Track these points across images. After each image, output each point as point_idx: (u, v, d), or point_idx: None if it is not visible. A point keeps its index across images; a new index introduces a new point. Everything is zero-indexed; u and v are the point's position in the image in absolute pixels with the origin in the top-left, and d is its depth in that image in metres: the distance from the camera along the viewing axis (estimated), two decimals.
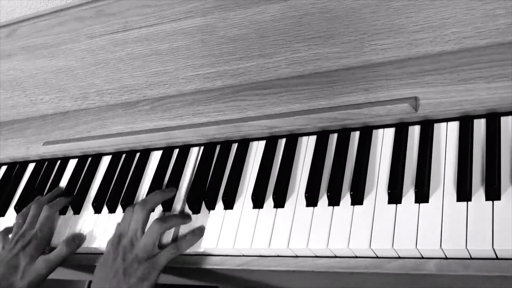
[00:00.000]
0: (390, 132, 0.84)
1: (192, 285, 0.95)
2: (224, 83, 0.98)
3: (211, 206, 0.90)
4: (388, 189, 0.78)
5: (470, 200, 0.73)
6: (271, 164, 0.90)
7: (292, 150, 0.90)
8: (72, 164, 1.11)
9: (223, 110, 0.96)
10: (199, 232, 0.88)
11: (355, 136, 0.87)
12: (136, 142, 1.03)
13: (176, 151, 1.01)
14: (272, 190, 0.86)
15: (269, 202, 0.86)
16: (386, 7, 0.82)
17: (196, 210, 0.91)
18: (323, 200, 0.82)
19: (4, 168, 1.20)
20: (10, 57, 1.10)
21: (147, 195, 0.95)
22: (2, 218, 1.10)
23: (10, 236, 1.00)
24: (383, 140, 0.84)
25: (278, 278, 0.85)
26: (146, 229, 0.88)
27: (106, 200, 1.00)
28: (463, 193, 0.73)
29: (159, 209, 0.93)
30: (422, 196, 0.76)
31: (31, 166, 1.16)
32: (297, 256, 0.82)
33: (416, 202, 0.76)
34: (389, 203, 0.78)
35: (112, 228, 0.95)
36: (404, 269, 0.75)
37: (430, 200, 0.75)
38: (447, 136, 0.80)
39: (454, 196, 0.74)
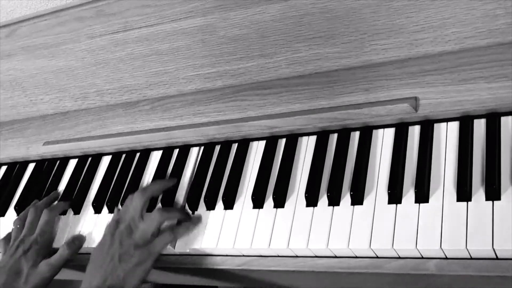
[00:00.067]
0: (390, 132, 0.84)
1: (192, 285, 0.95)
2: (225, 83, 0.98)
3: (211, 206, 0.90)
4: (388, 189, 0.78)
5: (470, 200, 0.73)
6: (271, 164, 0.90)
7: (292, 150, 0.90)
8: (72, 164, 1.11)
9: (223, 110, 0.96)
10: (196, 220, 0.89)
11: (355, 136, 0.87)
12: (136, 142, 1.03)
13: (176, 151, 1.01)
14: (272, 190, 0.86)
15: (269, 202, 0.86)
16: (387, 7, 0.82)
17: (196, 210, 0.91)
18: (323, 200, 0.82)
19: (4, 168, 1.20)
20: (10, 57, 1.10)
21: None
22: (2, 218, 1.10)
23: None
24: (383, 140, 0.84)
25: (278, 278, 0.85)
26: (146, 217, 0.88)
27: (106, 200, 1.00)
28: (463, 193, 0.73)
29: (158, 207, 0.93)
30: (422, 196, 0.76)
31: (31, 166, 1.16)
32: (297, 256, 0.82)
33: (416, 202, 0.76)
34: (389, 203, 0.78)
35: None
36: (404, 269, 0.75)
37: (430, 200, 0.75)
38: (447, 136, 0.80)
39: (454, 196, 0.74)
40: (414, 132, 0.83)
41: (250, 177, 0.91)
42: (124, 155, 1.06)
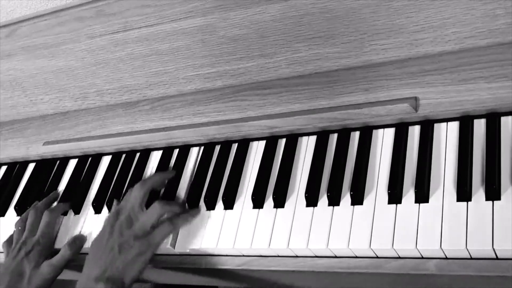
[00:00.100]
0: (390, 132, 0.84)
1: (192, 285, 0.95)
2: (224, 83, 0.98)
3: (211, 206, 0.90)
4: (388, 189, 0.78)
5: (470, 200, 0.73)
6: (271, 164, 0.90)
7: (292, 150, 0.90)
8: (72, 164, 1.11)
9: (223, 110, 0.96)
10: (195, 211, 0.89)
11: (355, 136, 0.87)
12: (136, 142, 1.03)
13: (176, 151, 1.01)
14: (272, 190, 0.86)
15: (269, 202, 0.86)
16: (386, 7, 0.82)
17: None
18: (323, 200, 0.82)
19: (4, 168, 1.20)
20: (10, 57, 1.10)
21: None
22: (2, 218, 1.10)
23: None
24: (383, 140, 0.84)
25: (278, 278, 0.85)
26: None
27: (106, 200, 1.00)
28: (463, 193, 0.73)
29: None
30: (422, 196, 0.76)
31: (31, 166, 1.16)
32: (297, 256, 0.82)
33: (416, 202, 0.76)
34: (389, 203, 0.78)
35: None
36: (404, 269, 0.75)
37: (430, 200, 0.75)
38: (447, 136, 0.80)
39: (454, 196, 0.74)
40: (414, 132, 0.83)
41: (250, 177, 0.91)
42: (124, 155, 1.06)
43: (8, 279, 0.91)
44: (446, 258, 0.73)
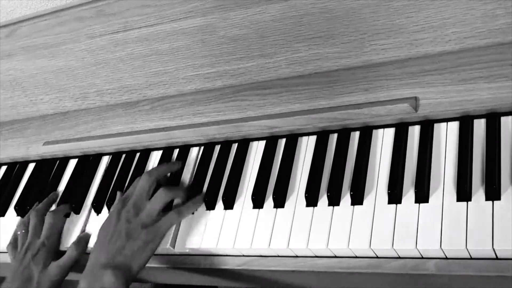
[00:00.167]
0: (390, 132, 0.84)
1: (192, 285, 0.95)
2: (224, 83, 0.98)
3: (211, 206, 0.90)
4: (388, 189, 0.78)
5: (470, 200, 0.73)
6: (271, 164, 0.90)
7: (292, 150, 0.90)
8: (72, 164, 1.11)
9: (223, 110, 0.96)
10: (200, 198, 0.90)
11: (355, 136, 0.87)
12: (136, 142, 1.03)
13: (176, 151, 1.01)
14: (272, 190, 0.86)
15: (269, 202, 0.86)
16: (386, 7, 0.82)
17: (196, 210, 0.91)
18: (323, 200, 0.82)
19: (4, 168, 1.20)
20: (10, 57, 1.10)
21: None
22: (2, 218, 1.10)
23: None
24: (383, 140, 0.84)
25: (278, 278, 0.85)
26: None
27: (106, 200, 1.00)
28: (463, 193, 0.73)
29: None
30: (422, 196, 0.76)
31: (31, 166, 1.16)
32: (297, 256, 0.82)
33: (416, 202, 0.76)
34: (389, 203, 0.78)
35: None
36: (404, 269, 0.75)
37: (430, 200, 0.75)
38: (447, 136, 0.80)
39: (454, 196, 0.74)
40: (414, 132, 0.83)
41: (250, 177, 0.91)
42: (124, 155, 1.06)
43: (17, 283, 0.91)
44: (446, 258, 0.73)
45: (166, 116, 1.02)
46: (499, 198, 0.71)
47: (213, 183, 0.92)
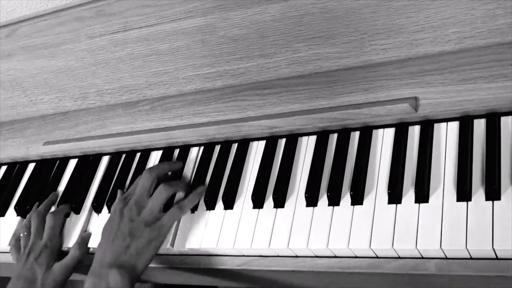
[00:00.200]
0: (390, 132, 0.84)
1: (192, 285, 0.95)
2: (224, 83, 0.98)
3: (211, 206, 0.90)
4: (388, 189, 0.78)
5: (470, 200, 0.73)
6: (271, 164, 0.90)
7: (292, 150, 0.90)
8: (72, 164, 1.11)
9: (223, 110, 0.96)
10: (200, 190, 0.91)
11: (355, 136, 0.87)
12: (136, 142, 1.03)
13: (176, 151, 1.01)
14: (272, 190, 0.86)
15: (269, 202, 0.86)
16: (386, 7, 0.82)
17: (196, 210, 0.91)
18: (323, 200, 0.82)
19: (4, 168, 1.20)
20: (10, 57, 1.10)
21: None
22: (2, 218, 1.10)
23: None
24: (383, 140, 0.84)
25: (278, 278, 0.85)
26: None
27: (106, 200, 1.00)
28: (463, 193, 0.73)
29: None
30: (422, 196, 0.76)
31: (31, 166, 1.16)
32: (297, 256, 0.82)
33: (416, 202, 0.76)
34: (389, 203, 0.78)
35: None
36: (404, 269, 0.75)
37: (430, 200, 0.75)
38: (447, 136, 0.80)
39: (454, 196, 0.74)
40: (414, 132, 0.83)
41: (250, 177, 0.91)
42: (124, 155, 1.06)
43: (21, 285, 0.91)
44: (446, 258, 0.73)
45: (166, 116, 1.02)
46: (499, 198, 0.71)
47: (213, 183, 0.92)
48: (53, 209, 1.04)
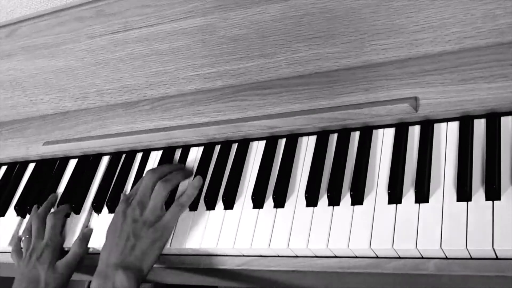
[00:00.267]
0: (390, 132, 0.84)
1: (192, 285, 0.95)
2: (225, 83, 0.98)
3: (211, 206, 0.90)
4: (388, 189, 0.78)
5: (470, 200, 0.73)
6: (271, 164, 0.90)
7: (292, 150, 0.90)
8: (72, 164, 1.11)
9: (223, 110, 0.96)
10: (197, 182, 0.92)
11: (355, 136, 0.87)
12: (136, 142, 1.03)
13: (176, 151, 1.01)
14: (272, 190, 0.86)
15: (269, 202, 0.86)
16: (386, 7, 0.82)
17: (196, 210, 0.91)
18: (323, 200, 0.82)
19: (4, 168, 1.20)
20: (10, 57, 1.10)
21: None
22: (2, 218, 1.10)
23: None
24: (383, 140, 0.84)
25: (278, 278, 0.85)
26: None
27: (106, 200, 1.00)
28: (463, 193, 0.73)
29: None
30: (422, 196, 0.76)
31: (31, 166, 1.16)
32: (297, 256, 0.82)
33: (416, 202, 0.76)
34: (389, 203, 0.78)
35: None
36: (404, 269, 0.75)
37: (430, 200, 0.75)
38: (447, 136, 0.80)
39: (454, 196, 0.74)
40: (414, 132, 0.83)
41: (250, 177, 0.91)
42: (124, 155, 1.06)
43: (25, 285, 0.91)
44: (446, 258, 0.73)
45: (166, 116, 1.02)
46: (499, 198, 0.71)
47: (213, 183, 0.92)
48: (53, 210, 1.04)
